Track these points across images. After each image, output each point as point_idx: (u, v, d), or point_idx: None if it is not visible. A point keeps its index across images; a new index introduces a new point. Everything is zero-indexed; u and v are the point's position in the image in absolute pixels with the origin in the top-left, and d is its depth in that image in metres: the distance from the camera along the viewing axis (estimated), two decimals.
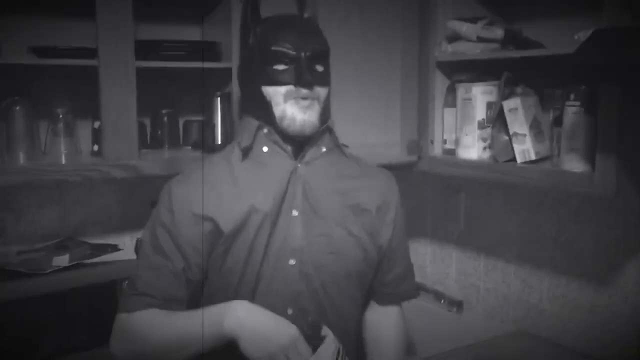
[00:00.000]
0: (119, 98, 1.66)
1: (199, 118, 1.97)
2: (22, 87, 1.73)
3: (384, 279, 1.57)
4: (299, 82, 1.39)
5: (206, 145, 1.84)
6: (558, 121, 1.73)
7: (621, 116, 1.54)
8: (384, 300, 1.60)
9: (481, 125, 1.92)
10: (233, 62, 1.77)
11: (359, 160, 1.57)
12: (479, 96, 1.91)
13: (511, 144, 1.84)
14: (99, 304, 1.74)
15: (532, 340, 2.06)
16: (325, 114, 1.46)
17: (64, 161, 1.73)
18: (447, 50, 2.00)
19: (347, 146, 1.54)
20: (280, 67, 1.40)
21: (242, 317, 1.30)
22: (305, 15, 1.55)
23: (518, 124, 1.81)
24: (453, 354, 1.94)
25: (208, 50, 1.84)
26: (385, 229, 1.53)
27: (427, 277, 2.48)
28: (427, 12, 2.04)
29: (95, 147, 1.78)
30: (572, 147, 1.68)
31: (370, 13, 1.99)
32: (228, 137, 1.82)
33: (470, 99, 1.92)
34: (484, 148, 1.94)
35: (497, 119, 1.87)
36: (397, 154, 2.08)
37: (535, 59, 1.77)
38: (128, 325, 1.37)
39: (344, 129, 1.58)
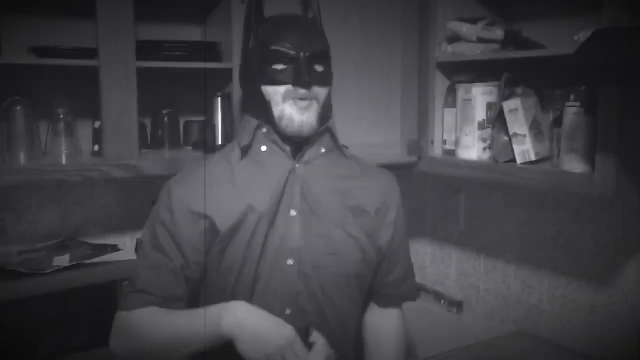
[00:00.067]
0: (120, 98, 1.66)
1: (200, 118, 1.97)
2: (22, 87, 1.73)
3: (385, 280, 1.56)
4: (297, 82, 1.39)
5: (207, 146, 1.84)
6: (558, 122, 1.73)
7: (621, 116, 1.54)
8: (385, 303, 1.59)
9: (481, 126, 1.92)
10: (234, 63, 1.77)
11: (360, 161, 1.57)
12: (479, 97, 1.91)
13: (511, 145, 1.84)
14: (99, 304, 1.74)
15: (532, 340, 2.06)
16: (325, 115, 1.46)
17: (64, 161, 1.73)
18: (448, 51, 2.00)
19: (347, 147, 1.54)
20: (280, 66, 1.40)
21: (240, 318, 1.30)
22: (310, 15, 1.55)
23: (518, 125, 1.82)
24: (453, 354, 1.94)
25: (209, 50, 1.84)
26: (385, 230, 1.52)
27: (427, 278, 2.48)
28: (427, 13, 2.04)
29: (96, 147, 1.78)
30: (572, 148, 1.68)
31: (370, 13, 1.99)
32: (228, 137, 1.82)
33: (470, 100, 1.92)
34: (484, 149, 1.94)
35: (497, 120, 1.87)
36: (397, 154, 2.08)
37: (536, 60, 1.77)
38: (128, 323, 1.38)
39: (344, 129, 1.58)
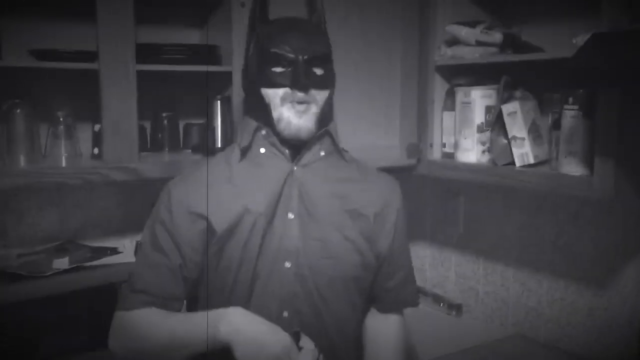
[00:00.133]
0: (120, 101, 1.66)
1: (200, 121, 1.98)
2: (22, 89, 1.73)
3: (386, 284, 1.56)
4: (295, 85, 1.39)
5: (207, 148, 1.84)
6: (557, 125, 1.74)
7: (620, 119, 1.54)
8: (386, 308, 1.58)
9: (480, 129, 1.93)
10: (233, 66, 1.77)
11: (360, 165, 1.56)
12: (478, 100, 1.92)
13: (510, 148, 1.84)
14: (98, 306, 1.73)
15: (530, 343, 2.06)
16: (324, 118, 1.46)
17: (64, 164, 1.74)
18: (447, 54, 2.01)
19: (347, 151, 1.54)
20: (278, 69, 1.41)
21: (237, 323, 1.30)
22: (314, 19, 1.55)
23: (517, 128, 1.82)
24: (452, 357, 1.94)
25: (209, 53, 1.84)
26: (385, 234, 1.52)
27: (427, 281, 2.48)
28: (427, 15, 2.05)
29: (96, 150, 1.78)
30: (570, 151, 1.68)
31: (370, 13, 1.99)
32: (228, 140, 1.83)
33: (469, 103, 1.93)
34: (483, 152, 1.94)
35: (496, 123, 1.87)
36: (396, 157, 2.08)
37: (534, 63, 1.78)
38: (126, 323, 1.39)
39: (344, 129, 1.59)
